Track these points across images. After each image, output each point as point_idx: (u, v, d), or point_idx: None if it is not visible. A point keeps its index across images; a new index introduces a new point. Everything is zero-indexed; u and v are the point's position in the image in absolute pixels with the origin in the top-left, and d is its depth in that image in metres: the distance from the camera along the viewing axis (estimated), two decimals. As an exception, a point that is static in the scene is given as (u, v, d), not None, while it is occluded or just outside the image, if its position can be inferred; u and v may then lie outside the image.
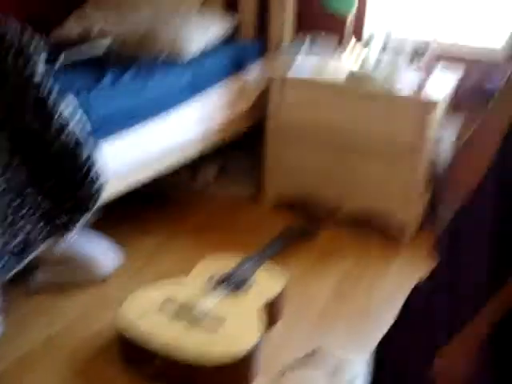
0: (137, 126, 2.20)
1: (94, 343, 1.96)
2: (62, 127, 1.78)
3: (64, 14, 2.97)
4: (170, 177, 3.05)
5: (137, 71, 2.34)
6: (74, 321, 2.07)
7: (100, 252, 2.28)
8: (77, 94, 1.95)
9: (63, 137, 1.78)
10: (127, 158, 2.18)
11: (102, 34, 2.75)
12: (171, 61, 2.56)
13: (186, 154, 2.58)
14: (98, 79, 2.18)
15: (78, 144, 1.81)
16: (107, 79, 2.18)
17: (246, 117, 2.94)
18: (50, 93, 1.77)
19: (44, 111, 1.77)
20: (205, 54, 2.71)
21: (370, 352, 1.52)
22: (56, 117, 1.77)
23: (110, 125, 2.07)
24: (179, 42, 2.64)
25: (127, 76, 2.26)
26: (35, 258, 1.87)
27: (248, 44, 2.99)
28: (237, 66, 2.84)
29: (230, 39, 2.96)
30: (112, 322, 2.01)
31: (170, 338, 1.75)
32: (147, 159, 2.30)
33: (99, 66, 2.36)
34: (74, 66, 2.34)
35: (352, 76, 2.64)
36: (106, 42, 2.59)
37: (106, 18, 2.88)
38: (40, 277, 2.19)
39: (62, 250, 2.11)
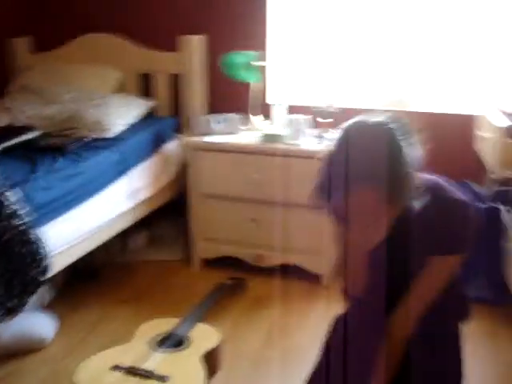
0: (73, 208, 2.42)
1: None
2: (13, 213, 1.98)
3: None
4: (102, 249, 3.25)
5: (67, 156, 2.56)
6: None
7: (35, 321, 2.42)
8: (15, 186, 2.15)
9: (14, 221, 1.97)
10: (65, 237, 2.38)
11: (29, 122, 2.96)
12: (97, 141, 2.80)
13: (118, 226, 2.81)
14: (32, 169, 2.37)
15: (28, 226, 2.01)
16: (41, 168, 2.38)
17: (171, 187, 3.21)
18: (7, 177, 1.98)
19: None
20: (128, 133, 2.97)
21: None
22: (7, 204, 1.97)
23: (49, 211, 2.26)
24: (103, 122, 2.89)
25: (59, 163, 2.47)
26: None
27: (165, 121, 3.29)
28: (157, 142, 3.12)
29: (148, 118, 3.25)
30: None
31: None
32: (84, 236, 2.52)
33: (30, 154, 2.56)
34: (5, 154, 2.53)
35: (264, 136, 2.98)
36: (34, 133, 2.80)
37: (28, 108, 3.09)
38: None
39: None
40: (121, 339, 2.38)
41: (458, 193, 1.63)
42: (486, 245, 2.73)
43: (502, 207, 2.77)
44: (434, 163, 1.66)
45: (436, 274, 1.65)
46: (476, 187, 2.94)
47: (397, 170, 1.49)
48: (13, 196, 2.03)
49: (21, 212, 2.02)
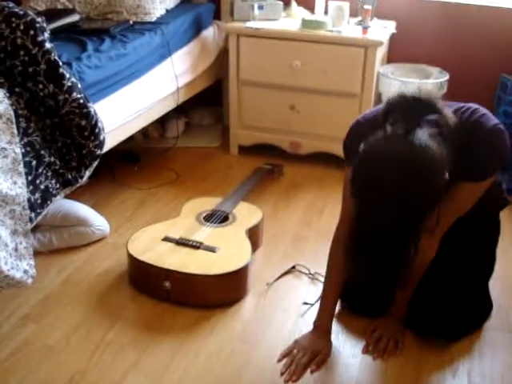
0: (121, 88, 2.48)
1: (105, 279, 2.24)
2: (73, 86, 2.04)
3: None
4: (141, 135, 3.34)
5: (112, 38, 2.58)
6: (84, 264, 2.33)
7: (91, 213, 2.46)
8: (68, 63, 2.20)
9: (74, 94, 2.04)
10: (115, 117, 2.45)
11: (68, 8, 2.96)
12: (139, 25, 2.81)
13: (162, 109, 2.89)
14: (82, 49, 2.41)
15: (86, 100, 2.09)
16: (90, 48, 2.42)
17: (210, 72, 3.25)
18: (59, 56, 2.03)
19: (56, 73, 2.01)
20: (168, 18, 2.97)
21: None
22: (67, 77, 2.03)
23: (99, 90, 2.32)
24: (143, 6, 2.89)
25: (106, 44, 2.50)
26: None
27: (203, 7, 3.26)
28: (197, 27, 3.12)
29: (185, 3, 3.23)
30: (116, 261, 2.32)
31: (178, 260, 2.08)
32: (131, 118, 2.59)
33: (76, 37, 2.58)
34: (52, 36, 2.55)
35: (304, 22, 2.95)
36: (75, 17, 2.81)
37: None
38: (40, 241, 2.33)
39: (57, 216, 2.32)
40: (166, 217, 2.51)
41: (491, 120, 1.60)
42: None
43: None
44: (473, 57, 1.62)
45: (471, 196, 1.69)
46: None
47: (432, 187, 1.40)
48: (70, 71, 2.09)
49: (79, 86, 2.09)
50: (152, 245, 2.19)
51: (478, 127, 1.59)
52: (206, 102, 3.56)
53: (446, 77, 2.99)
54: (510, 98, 2.89)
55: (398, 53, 3.23)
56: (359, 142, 1.46)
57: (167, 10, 3.02)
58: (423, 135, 1.39)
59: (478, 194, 1.70)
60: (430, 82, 2.98)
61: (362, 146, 1.44)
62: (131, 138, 2.80)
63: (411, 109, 1.40)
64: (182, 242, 2.20)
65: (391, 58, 3.25)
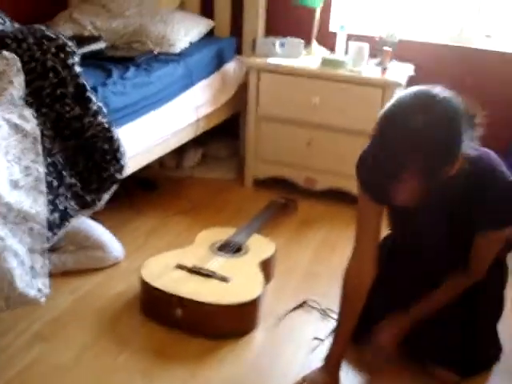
0: (143, 115, 2.52)
1: (116, 303, 2.24)
2: (99, 110, 2.09)
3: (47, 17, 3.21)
4: (158, 164, 3.37)
5: (137, 67, 2.65)
6: (97, 287, 2.34)
7: (109, 237, 2.48)
8: (93, 88, 2.25)
9: (100, 118, 2.08)
10: (136, 143, 2.49)
11: (94, 35, 3.04)
12: (163, 56, 2.88)
13: (180, 139, 2.92)
14: (107, 75, 2.47)
15: (110, 124, 2.13)
16: (115, 75, 2.48)
17: (229, 106, 3.29)
18: (86, 81, 2.08)
19: (83, 97, 2.07)
20: (191, 50, 3.04)
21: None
22: (93, 101, 2.08)
23: (122, 116, 2.37)
24: (168, 38, 2.96)
25: (131, 72, 2.56)
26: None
27: (225, 41, 3.33)
28: (218, 62, 3.18)
29: (208, 37, 3.30)
30: (128, 286, 2.32)
31: (190, 288, 2.09)
32: (152, 145, 2.63)
33: (101, 63, 2.64)
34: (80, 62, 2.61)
35: (325, 61, 3.01)
36: (101, 44, 2.88)
37: (95, 19, 3.16)
38: (56, 262, 2.33)
39: (75, 237, 2.35)
40: (179, 245, 2.51)
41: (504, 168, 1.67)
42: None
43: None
44: (493, 102, 1.71)
45: (493, 245, 1.75)
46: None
47: (448, 153, 1.49)
48: (95, 96, 2.14)
49: (104, 110, 2.14)
50: (165, 271, 2.19)
51: (497, 176, 1.65)
52: (223, 134, 3.60)
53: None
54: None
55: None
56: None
57: (191, 43, 3.08)
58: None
59: (497, 244, 1.75)
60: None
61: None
62: (148, 166, 2.82)
63: None
64: (194, 271, 2.20)
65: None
